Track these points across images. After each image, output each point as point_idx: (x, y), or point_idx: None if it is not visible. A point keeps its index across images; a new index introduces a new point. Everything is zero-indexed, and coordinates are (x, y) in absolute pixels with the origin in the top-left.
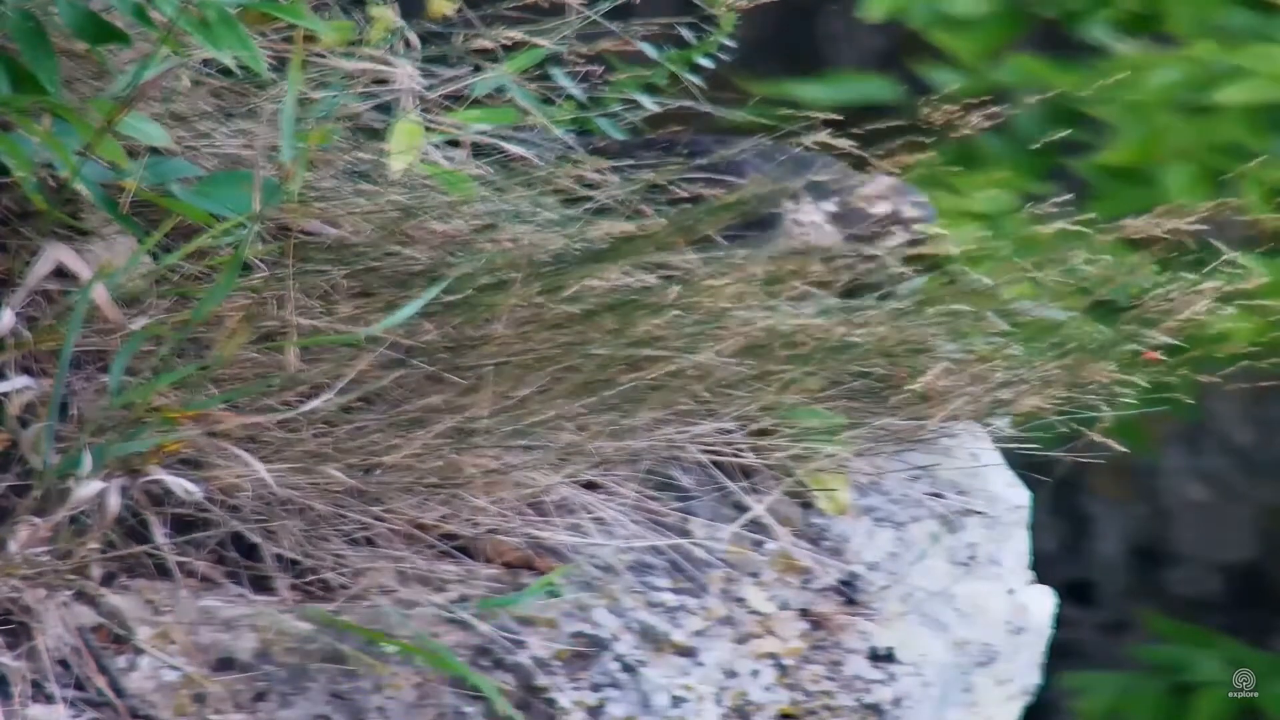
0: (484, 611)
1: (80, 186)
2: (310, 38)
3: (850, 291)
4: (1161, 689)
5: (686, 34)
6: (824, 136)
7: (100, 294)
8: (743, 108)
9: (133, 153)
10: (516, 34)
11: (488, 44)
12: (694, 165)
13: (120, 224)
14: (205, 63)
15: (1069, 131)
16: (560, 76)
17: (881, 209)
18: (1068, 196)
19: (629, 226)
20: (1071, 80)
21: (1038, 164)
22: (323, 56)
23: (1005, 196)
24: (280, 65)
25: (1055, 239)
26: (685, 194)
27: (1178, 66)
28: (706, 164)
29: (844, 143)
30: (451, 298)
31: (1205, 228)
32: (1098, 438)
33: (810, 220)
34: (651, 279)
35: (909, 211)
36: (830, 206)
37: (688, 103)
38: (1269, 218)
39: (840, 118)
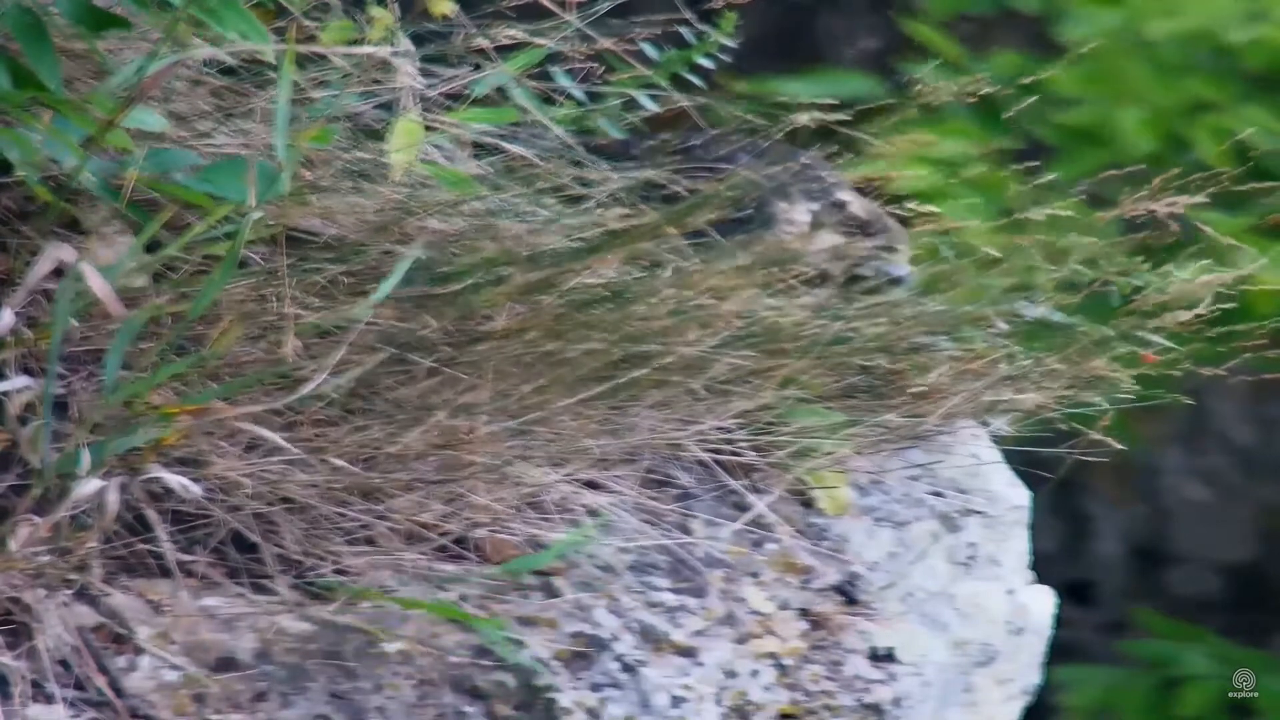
0: (485, 612)
1: (83, 180)
2: (310, 37)
3: (844, 285)
4: (1151, 683)
5: (686, 34)
6: (814, 116)
7: (100, 285)
8: (734, 104)
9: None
10: (516, 32)
11: (487, 43)
12: (691, 162)
13: (127, 212)
14: (205, 62)
15: (1035, 101)
16: (560, 76)
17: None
18: (1026, 159)
19: (624, 215)
20: (1048, 72)
21: (1003, 129)
22: (323, 56)
23: (963, 144)
24: (280, 64)
25: (1040, 217)
26: (682, 190)
27: (1118, 13)
28: (703, 161)
29: (832, 118)
30: (448, 289)
31: (1205, 201)
32: (1097, 435)
33: (801, 219)
34: (646, 276)
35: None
36: (815, 206)
37: (687, 102)
38: (1226, 169)
39: (829, 111)
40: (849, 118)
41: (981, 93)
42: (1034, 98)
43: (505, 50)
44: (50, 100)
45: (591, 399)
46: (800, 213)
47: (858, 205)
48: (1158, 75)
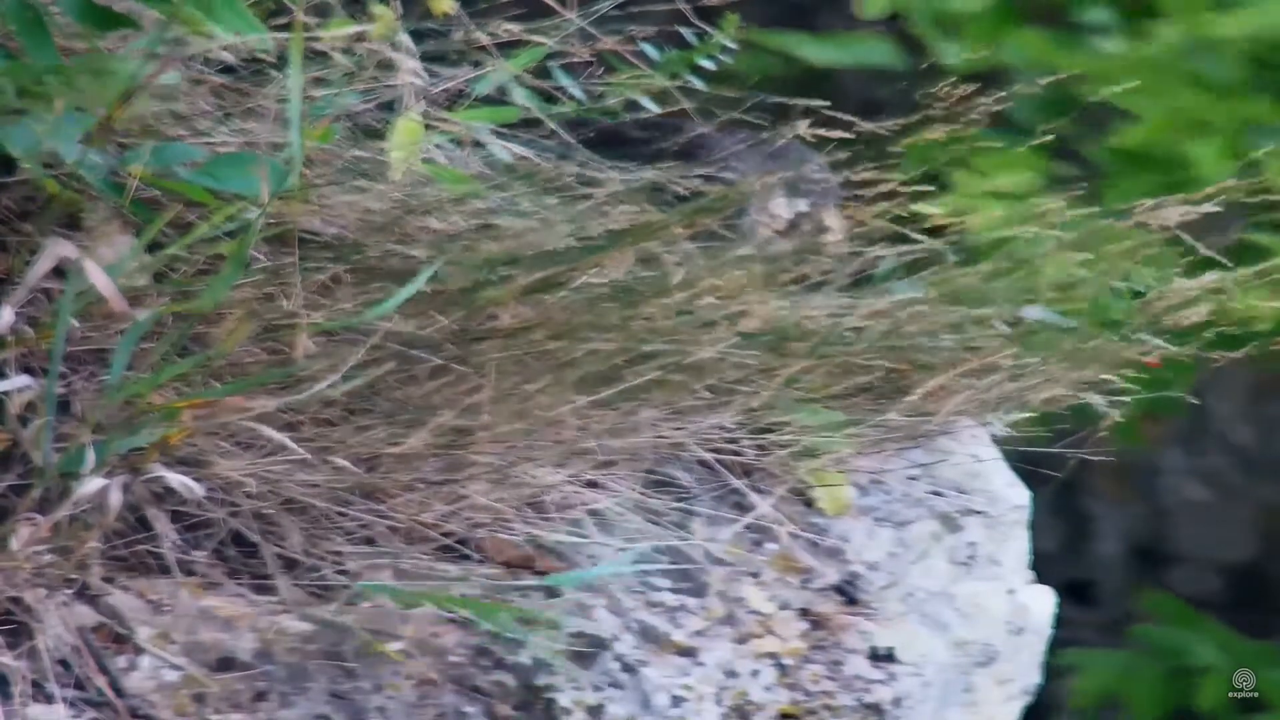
0: (484, 611)
1: (85, 173)
2: (311, 36)
3: (849, 286)
4: (1160, 672)
5: (687, 34)
6: (815, 131)
7: (104, 284)
8: (750, 61)
9: (130, 146)
10: (517, 29)
11: (488, 42)
12: (694, 162)
13: (128, 210)
14: (205, 61)
15: (1072, 117)
16: (561, 75)
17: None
18: (1081, 184)
19: (628, 213)
20: (1074, 61)
21: (1043, 150)
22: (324, 54)
23: (1030, 177)
24: (280, 63)
25: (1087, 230)
26: (683, 190)
27: (1176, 26)
28: (704, 160)
29: (837, 134)
30: (452, 288)
31: (1224, 209)
32: (1101, 432)
33: (781, 213)
34: (651, 275)
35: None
36: (802, 205)
37: (687, 104)
38: None
39: (837, 120)
40: (856, 124)
41: (1007, 94)
42: (1074, 109)
43: (506, 48)
44: (62, 70)
45: (597, 401)
46: (780, 206)
47: (833, 219)
48: (1215, 96)
